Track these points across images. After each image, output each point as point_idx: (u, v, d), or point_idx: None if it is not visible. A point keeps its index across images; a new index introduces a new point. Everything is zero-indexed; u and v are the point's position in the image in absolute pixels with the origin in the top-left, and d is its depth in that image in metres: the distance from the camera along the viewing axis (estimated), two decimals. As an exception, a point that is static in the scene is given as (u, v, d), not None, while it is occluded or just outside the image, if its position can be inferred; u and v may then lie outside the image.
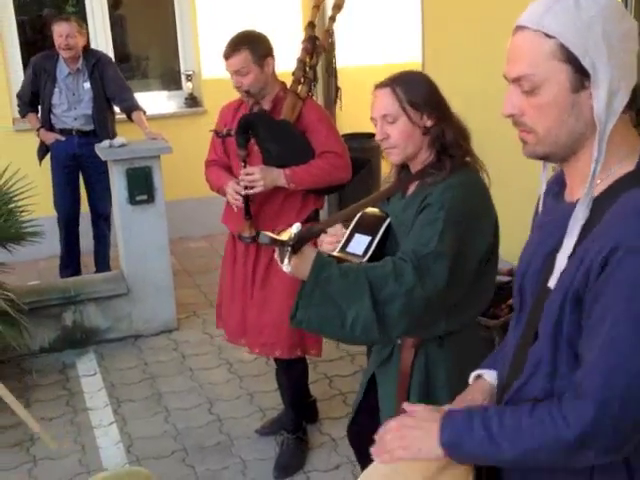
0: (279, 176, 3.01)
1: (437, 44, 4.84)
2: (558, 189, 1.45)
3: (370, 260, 2.13)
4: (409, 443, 1.40)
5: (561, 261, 1.31)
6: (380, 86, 2.15)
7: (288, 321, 2.87)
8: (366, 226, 2.23)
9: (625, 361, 1.20)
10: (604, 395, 1.21)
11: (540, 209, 1.50)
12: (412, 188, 2.19)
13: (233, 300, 3.28)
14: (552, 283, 1.32)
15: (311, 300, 1.91)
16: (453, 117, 2.15)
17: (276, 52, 3.12)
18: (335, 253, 2.19)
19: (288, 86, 3.16)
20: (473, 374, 1.65)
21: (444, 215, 1.99)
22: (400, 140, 2.12)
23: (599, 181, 1.29)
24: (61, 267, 5.41)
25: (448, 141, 2.11)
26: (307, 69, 3.25)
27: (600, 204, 1.28)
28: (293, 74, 3.21)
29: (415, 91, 2.11)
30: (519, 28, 1.30)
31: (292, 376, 3.35)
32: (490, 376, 1.61)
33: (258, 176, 2.98)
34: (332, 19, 3.42)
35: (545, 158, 1.36)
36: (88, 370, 4.29)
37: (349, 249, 2.20)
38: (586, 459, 1.26)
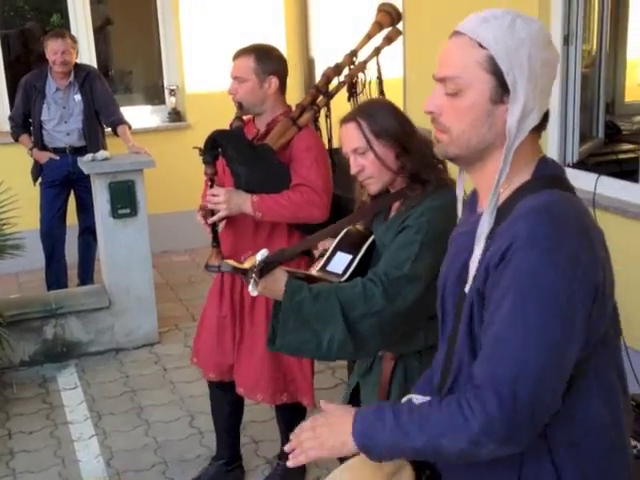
0: (245, 202, 2.80)
1: (418, 63, 4.90)
2: (471, 202, 1.53)
3: (350, 278, 2.15)
4: (322, 441, 1.44)
5: (473, 268, 1.37)
6: (345, 121, 2.18)
7: (270, 367, 2.94)
8: (349, 244, 2.25)
9: (515, 355, 1.25)
10: (497, 388, 1.25)
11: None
12: (394, 210, 2.21)
13: (221, 336, 3.07)
14: (467, 289, 1.39)
15: (287, 326, 1.99)
16: (418, 144, 2.14)
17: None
18: (315, 272, 2.22)
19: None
20: (404, 398, 1.68)
21: (420, 239, 2.03)
22: (375, 170, 2.14)
23: (502, 190, 1.37)
24: (47, 287, 5.36)
25: (413, 170, 2.12)
26: (321, 97, 3.07)
27: (503, 212, 1.36)
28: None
29: (379, 122, 2.13)
30: (456, 33, 1.37)
31: (286, 420, 3.19)
32: (418, 400, 1.63)
33: (222, 198, 2.80)
34: (377, 51, 3.19)
35: (454, 160, 1.43)
36: (69, 383, 4.28)
37: (329, 268, 2.22)
38: (487, 451, 1.29)
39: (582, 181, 3.55)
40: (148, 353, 4.62)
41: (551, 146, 3.76)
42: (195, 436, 3.69)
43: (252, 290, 1.92)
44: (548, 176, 1.38)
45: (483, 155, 1.39)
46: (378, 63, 3.28)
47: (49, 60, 5.06)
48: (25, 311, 4.44)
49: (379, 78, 3.44)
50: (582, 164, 3.77)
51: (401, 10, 5.00)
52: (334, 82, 3.28)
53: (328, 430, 1.44)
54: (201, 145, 2.85)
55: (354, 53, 3.19)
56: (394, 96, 4.80)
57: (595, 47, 4.15)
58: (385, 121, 2.13)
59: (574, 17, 3.63)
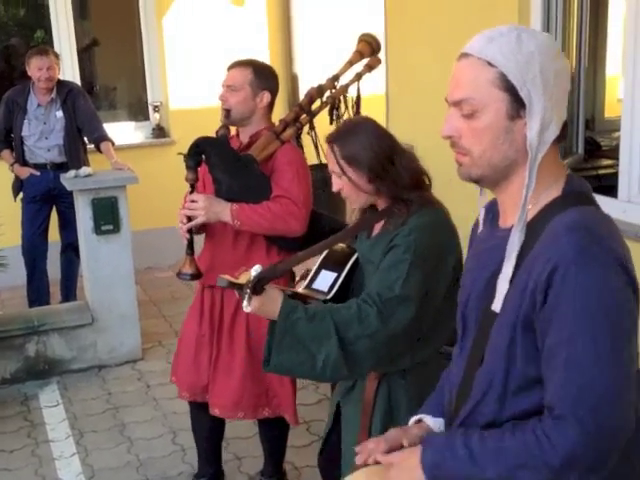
0: (224, 210, 2.80)
1: (401, 76, 4.94)
2: (492, 217, 1.52)
3: (335, 296, 2.17)
4: None
5: (502, 285, 1.36)
6: (326, 141, 2.21)
7: (250, 384, 2.93)
8: (333, 262, 2.27)
9: (590, 378, 1.23)
10: (579, 417, 1.23)
11: (476, 236, 1.57)
12: (378, 227, 2.22)
13: (198, 356, 3.05)
14: (496, 306, 1.37)
15: (282, 345, 1.99)
16: (397, 167, 2.13)
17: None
18: (301, 290, 2.23)
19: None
20: (413, 418, 1.67)
21: (410, 258, 2.03)
22: (351, 193, 2.17)
23: (530, 206, 1.36)
24: (29, 304, 5.34)
25: (389, 194, 2.14)
26: (304, 115, 3.12)
27: (534, 228, 1.35)
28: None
29: (349, 148, 2.13)
30: (464, 55, 1.38)
31: (269, 436, 3.21)
32: (430, 421, 1.62)
33: (201, 204, 2.80)
34: (358, 76, 3.30)
35: (479, 181, 1.42)
36: (50, 401, 4.25)
37: (315, 285, 2.24)
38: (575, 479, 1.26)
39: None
40: (131, 370, 4.60)
41: (532, 161, 3.78)
42: (178, 453, 3.66)
43: (246, 306, 1.92)
44: (577, 192, 1.38)
45: (507, 173, 1.39)
46: (358, 88, 3.39)
47: (33, 77, 5.07)
48: (7, 328, 4.40)
49: (357, 103, 3.55)
50: (563, 179, 3.79)
51: (383, 22, 5.06)
52: (317, 102, 3.34)
53: (397, 469, 1.42)
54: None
55: (336, 78, 3.30)
56: (377, 111, 4.83)
57: (574, 63, 4.19)
58: (356, 148, 2.13)
59: (553, 34, 3.66)
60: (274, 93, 2.98)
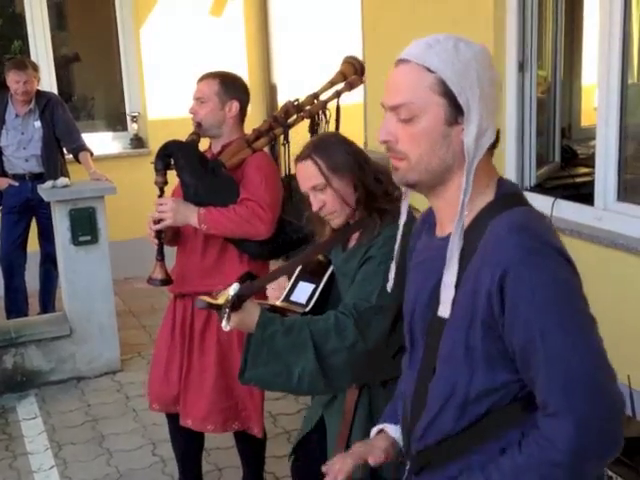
0: (192, 214, 2.81)
1: (379, 89, 4.97)
2: (428, 227, 1.53)
3: (314, 308, 2.17)
4: None
5: (447, 292, 1.36)
6: (300, 159, 2.19)
7: (220, 397, 2.92)
8: (310, 273, 2.27)
9: (573, 367, 1.25)
10: (572, 406, 1.24)
11: (415, 248, 1.58)
12: (353, 240, 2.23)
13: (169, 367, 3.05)
14: (443, 313, 1.37)
15: (258, 359, 1.98)
16: (374, 174, 2.16)
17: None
18: (278, 303, 2.23)
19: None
20: (374, 429, 1.66)
21: (384, 268, 2.02)
22: (336, 205, 2.16)
23: (466, 212, 1.37)
24: (7, 315, 5.29)
25: (370, 201, 2.15)
26: (279, 127, 3.14)
27: (471, 234, 1.36)
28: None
29: (333, 158, 2.15)
30: (402, 61, 1.39)
31: (245, 448, 3.19)
32: (391, 430, 1.63)
33: (168, 207, 2.82)
34: (338, 94, 3.33)
35: (414, 186, 1.43)
36: (29, 414, 4.21)
37: (293, 298, 2.24)
38: (594, 468, 1.29)
39: (539, 204, 3.57)
40: (110, 381, 4.57)
41: (509, 170, 3.82)
42: (158, 464, 3.64)
43: (225, 325, 1.91)
44: (510, 194, 1.40)
45: (443, 178, 1.39)
46: (338, 104, 3.42)
47: (11, 89, 5.06)
48: (-16, 340, 4.36)
49: (337, 119, 3.59)
50: (539, 187, 3.84)
51: (361, 35, 5.09)
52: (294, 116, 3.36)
53: None
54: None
55: (316, 96, 3.34)
56: (355, 121, 4.85)
57: (550, 73, 4.24)
58: (339, 156, 2.15)
59: (528, 44, 3.71)
60: (243, 103, 2.98)
